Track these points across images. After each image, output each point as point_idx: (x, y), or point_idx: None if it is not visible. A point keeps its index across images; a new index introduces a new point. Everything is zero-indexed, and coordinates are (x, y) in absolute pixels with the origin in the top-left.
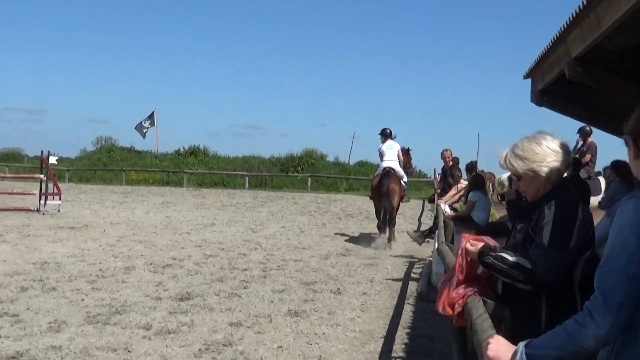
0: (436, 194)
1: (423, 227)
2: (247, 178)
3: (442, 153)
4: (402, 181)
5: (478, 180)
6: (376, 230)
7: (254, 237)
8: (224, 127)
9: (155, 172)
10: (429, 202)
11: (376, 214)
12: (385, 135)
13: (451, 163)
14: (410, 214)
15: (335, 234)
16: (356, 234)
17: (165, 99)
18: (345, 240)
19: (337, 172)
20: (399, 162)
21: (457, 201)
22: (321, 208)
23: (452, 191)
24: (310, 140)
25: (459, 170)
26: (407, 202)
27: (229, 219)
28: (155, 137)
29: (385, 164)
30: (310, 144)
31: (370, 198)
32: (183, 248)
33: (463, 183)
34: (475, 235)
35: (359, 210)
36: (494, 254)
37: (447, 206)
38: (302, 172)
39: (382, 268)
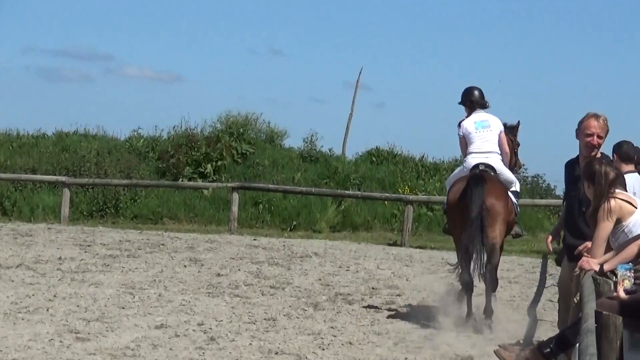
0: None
1: (541, 332)
2: (66, 191)
3: (583, 123)
4: (510, 192)
5: None
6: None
7: (81, 352)
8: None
9: None
10: (557, 263)
11: (460, 258)
12: (473, 102)
13: (598, 153)
14: (509, 292)
15: (305, 343)
16: (360, 346)
17: None
18: None
19: (312, 178)
20: (502, 155)
21: (636, 260)
22: (266, 274)
23: (604, 223)
24: (246, 95)
25: (609, 164)
26: (521, 236)
27: (13, 301)
28: None
29: (473, 159)
30: (244, 101)
31: (444, 231)
32: None
33: (624, 198)
34: None
35: (368, 280)
36: None
37: (625, 277)
38: (219, 176)
39: None
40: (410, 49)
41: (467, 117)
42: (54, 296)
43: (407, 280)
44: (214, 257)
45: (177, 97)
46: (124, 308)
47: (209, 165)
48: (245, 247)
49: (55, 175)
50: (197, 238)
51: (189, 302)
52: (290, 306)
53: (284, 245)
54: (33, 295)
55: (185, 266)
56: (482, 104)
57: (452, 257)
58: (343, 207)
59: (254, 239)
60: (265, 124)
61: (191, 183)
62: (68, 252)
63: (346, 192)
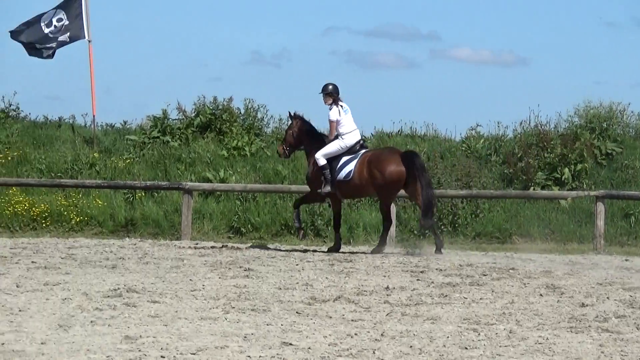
0: None
1: None
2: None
3: None
4: None
5: None
6: None
7: None
8: None
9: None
10: None
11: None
12: (330, 92)
13: None
14: None
15: None
16: None
17: None
18: None
19: None
20: None
21: None
22: None
23: None
24: (608, 79)
25: None
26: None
27: (332, 342)
28: (89, 65)
29: (351, 137)
30: (605, 88)
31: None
32: None
33: None
34: None
35: None
36: None
37: None
38: (579, 183)
39: None
40: None
41: (332, 105)
42: (381, 335)
43: None
44: (577, 283)
45: (523, 84)
46: (466, 348)
47: (567, 170)
48: (615, 270)
49: None
50: (555, 260)
51: (547, 339)
52: None
53: None
54: (356, 334)
55: (541, 295)
56: (338, 93)
57: None
58: None
59: (626, 260)
60: (634, 117)
61: (545, 192)
62: (397, 280)
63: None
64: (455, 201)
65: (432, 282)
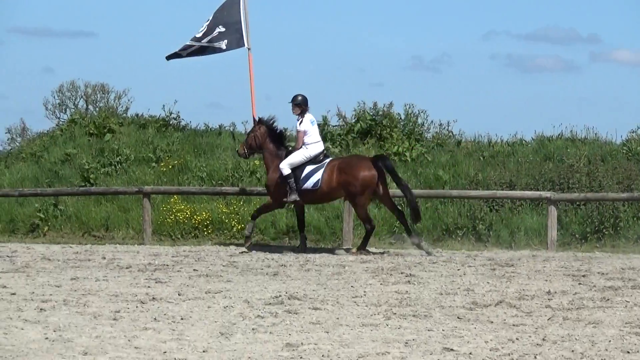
0: None
1: None
2: (552, 209)
3: None
4: None
5: None
6: None
7: None
8: None
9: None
10: None
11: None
12: (299, 103)
13: None
14: None
15: None
16: None
17: None
18: None
19: None
20: None
21: None
22: None
23: None
24: None
25: None
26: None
27: (494, 347)
28: (249, 73)
29: (315, 148)
30: None
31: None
32: None
33: None
34: None
35: None
36: None
37: None
38: None
39: None
40: None
41: (301, 115)
42: (543, 340)
43: None
44: None
45: None
46: (629, 352)
47: None
48: None
49: (537, 190)
50: None
51: None
52: None
53: None
54: (517, 339)
55: None
56: (307, 105)
57: None
58: None
59: None
60: None
61: None
62: (558, 284)
63: None
64: (616, 204)
65: (594, 286)
